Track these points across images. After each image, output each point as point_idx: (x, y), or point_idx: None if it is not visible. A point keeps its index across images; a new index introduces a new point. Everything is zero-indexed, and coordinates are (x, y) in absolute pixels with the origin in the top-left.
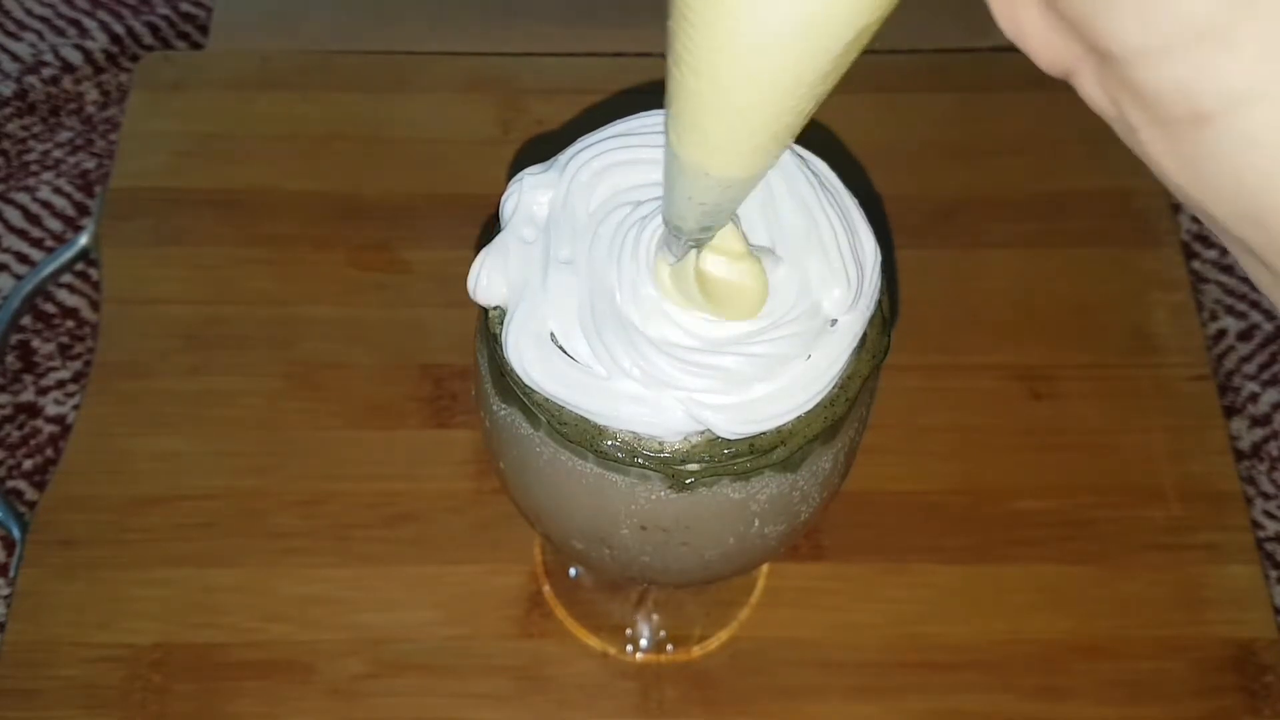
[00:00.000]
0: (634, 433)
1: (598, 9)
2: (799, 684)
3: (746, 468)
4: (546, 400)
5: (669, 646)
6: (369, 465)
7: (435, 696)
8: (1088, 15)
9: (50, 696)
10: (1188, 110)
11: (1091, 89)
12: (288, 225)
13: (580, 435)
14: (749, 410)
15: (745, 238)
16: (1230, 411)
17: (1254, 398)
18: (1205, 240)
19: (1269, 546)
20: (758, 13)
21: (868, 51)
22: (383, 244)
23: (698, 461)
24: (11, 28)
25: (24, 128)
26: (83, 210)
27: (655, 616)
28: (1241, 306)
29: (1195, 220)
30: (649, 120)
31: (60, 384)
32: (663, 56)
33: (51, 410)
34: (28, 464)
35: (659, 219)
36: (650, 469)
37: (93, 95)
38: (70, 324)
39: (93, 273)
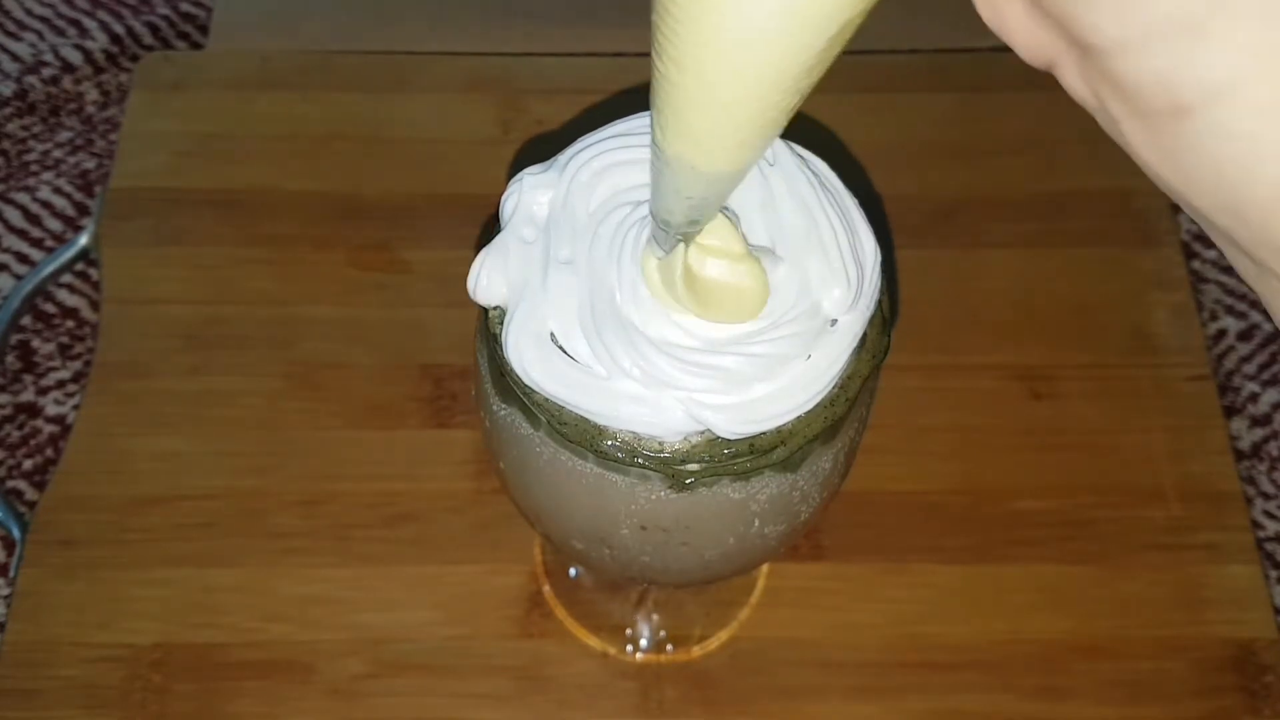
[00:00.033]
0: (634, 433)
1: (598, 9)
2: (799, 684)
3: (746, 468)
4: (546, 400)
5: (669, 646)
6: (369, 465)
7: (435, 696)
8: (1068, 8)
9: (50, 696)
10: (1167, 102)
11: (1073, 81)
12: (288, 225)
13: (580, 435)
14: (749, 410)
15: (745, 238)
16: (1230, 411)
17: (1254, 398)
18: (1205, 240)
19: (1269, 546)
20: (742, 7)
21: (868, 51)
22: (383, 244)
23: (698, 461)
24: (11, 28)
25: (24, 128)
26: (83, 210)
27: (655, 616)
28: (1241, 306)
29: (1195, 220)
30: (649, 120)
31: (60, 384)
32: None
33: (51, 410)
34: (28, 464)
35: None
36: (650, 469)
37: (93, 95)
38: (70, 324)
39: (93, 273)
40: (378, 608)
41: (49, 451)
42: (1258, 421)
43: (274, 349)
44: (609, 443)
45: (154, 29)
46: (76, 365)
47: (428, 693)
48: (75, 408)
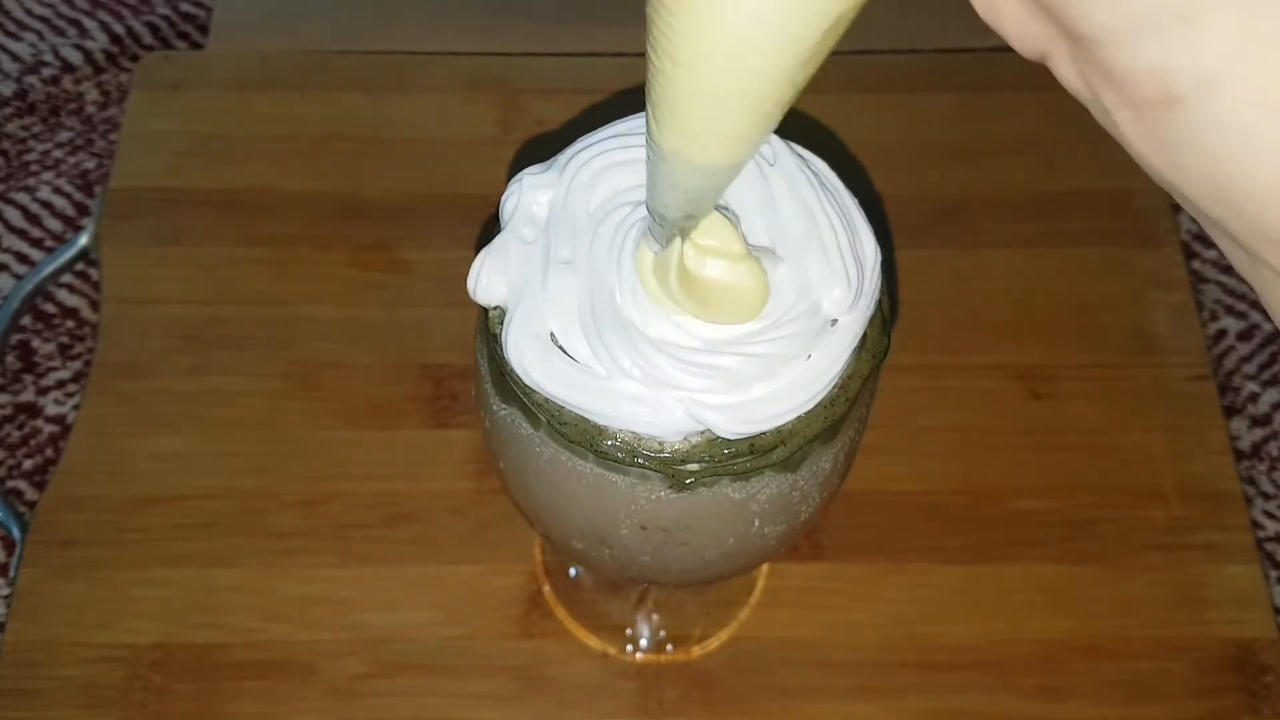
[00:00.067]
0: (634, 433)
1: (598, 9)
2: (799, 684)
3: (746, 468)
4: (546, 400)
5: (669, 646)
6: (369, 465)
7: (435, 696)
8: None
9: (50, 696)
10: (1159, 92)
11: (1066, 72)
12: (288, 225)
13: (580, 435)
14: (749, 410)
15: (745, 238)
16: (1230, 411)
17: (1254, 398)
18: (1205, 240)
19: (1269, 546)
20: (736, 1)
21: (868, 51)
22: (383, 244)
23: (698, 461)
24: (11, 28)
25: (24, 128)
26: (83, 210)
27: (655, 616)
28: (1241, 306)
29: (1195, 220)
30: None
31: (60, 384)
32: None
33: (51, 410)
34: (28, 464)
35: None
36: (650, 469)
37: (93, 95)
38: (70, 324)
39: (93, 273)
40: (378, 608)
41: (49, 451)
42: (1258, 421)
43: (274, 349)
44: (609, 443)
45: (154, 29)
46: (76, 365)
47: (427, 693)
48: (75, 408)
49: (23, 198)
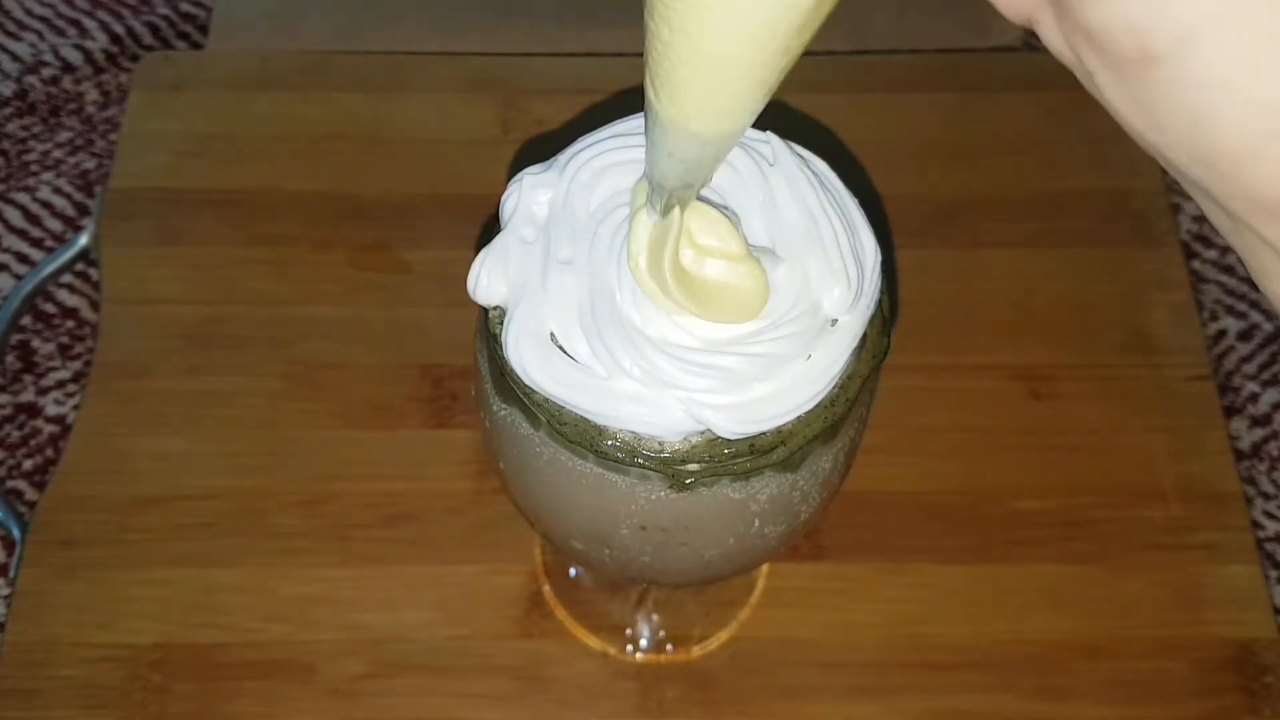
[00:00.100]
0: (634, 433)
1: (598, 9)
2: (799, 684)
3: (746, 468)
4: (546, 400)
5: (669, 646)
6: (369, 465)
7: (435, 696)
8: None
9: (50, 696)
10: (1137, 50)
11: (1052, 35)
12: (288, 225)
13: (580, 435)
14: (749, 410)
15: (744, 238)
16: (1230, 411)
17: (1254, 398)
18: (1205, 240)
19: (1269, 546)
20: None
21: (869, 51)
22: (383, 244)
23: (698, 461)
24: (11, 28)
25: (24, 128)
26: (83, 210)
27: (655, 616)
28: (1241, 306)
29: (1195, 220)
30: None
31: (60, 384)
32: None
33: (51, 410)
34: (28, 464)
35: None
36: (650, 469)
37: (93, 95)
38: (70, 324)
39: (93, 273)
40: (378, 608)
41: (49, 451)
42: (1258, 421)
43: (274, 349)
44: (609, 443)
45: (154, 29)
46: (76, 365)
47: (427, 693)
48: (75, 408)
49: (23, 198)
